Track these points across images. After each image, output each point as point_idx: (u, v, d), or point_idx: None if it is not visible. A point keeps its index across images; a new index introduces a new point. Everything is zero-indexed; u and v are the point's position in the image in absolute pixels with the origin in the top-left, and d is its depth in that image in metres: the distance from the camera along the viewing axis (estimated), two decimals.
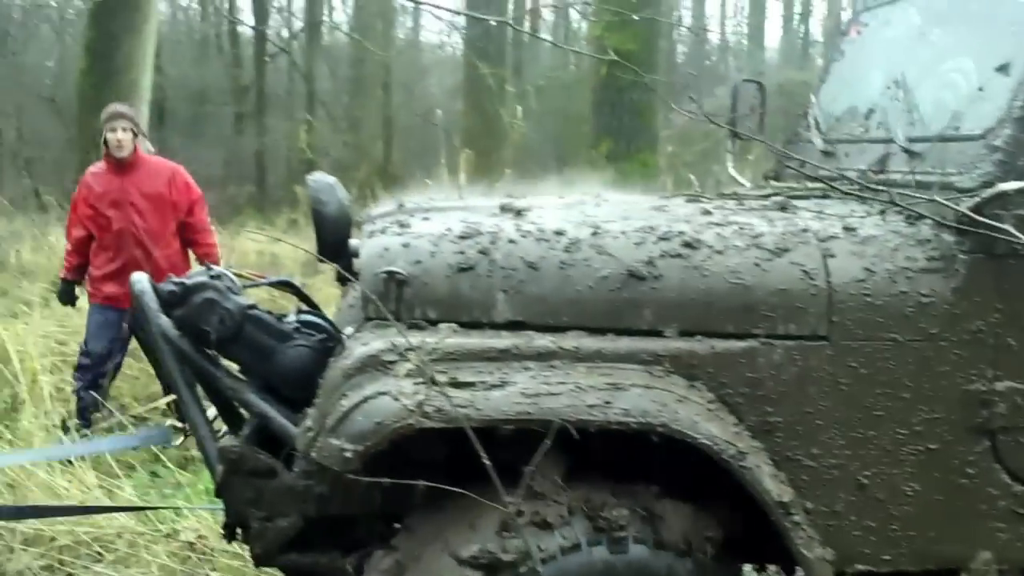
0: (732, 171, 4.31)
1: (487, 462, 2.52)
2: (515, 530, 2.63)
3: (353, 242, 3.23)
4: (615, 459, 2.83)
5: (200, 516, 4.87)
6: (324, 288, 7.18)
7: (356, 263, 3.09)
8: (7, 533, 4.78)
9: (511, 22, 11.45)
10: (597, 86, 11.91)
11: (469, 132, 17.22)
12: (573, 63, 22.48)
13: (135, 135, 6.78)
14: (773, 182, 4.08)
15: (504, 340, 2.77)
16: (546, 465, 2.67)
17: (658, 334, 2.82)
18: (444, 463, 2.85)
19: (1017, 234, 2.81)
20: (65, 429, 6.16)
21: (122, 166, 6.76)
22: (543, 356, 2.74)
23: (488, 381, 2.65)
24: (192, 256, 7.09)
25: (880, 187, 3.15)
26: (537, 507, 2.68)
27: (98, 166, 6.89)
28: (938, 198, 2.95)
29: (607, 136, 11.59)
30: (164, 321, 3.17)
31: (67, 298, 7.06)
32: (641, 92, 11.39)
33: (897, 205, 3.04)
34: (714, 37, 28.22)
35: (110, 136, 6.70)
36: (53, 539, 4.80)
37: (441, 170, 10.52)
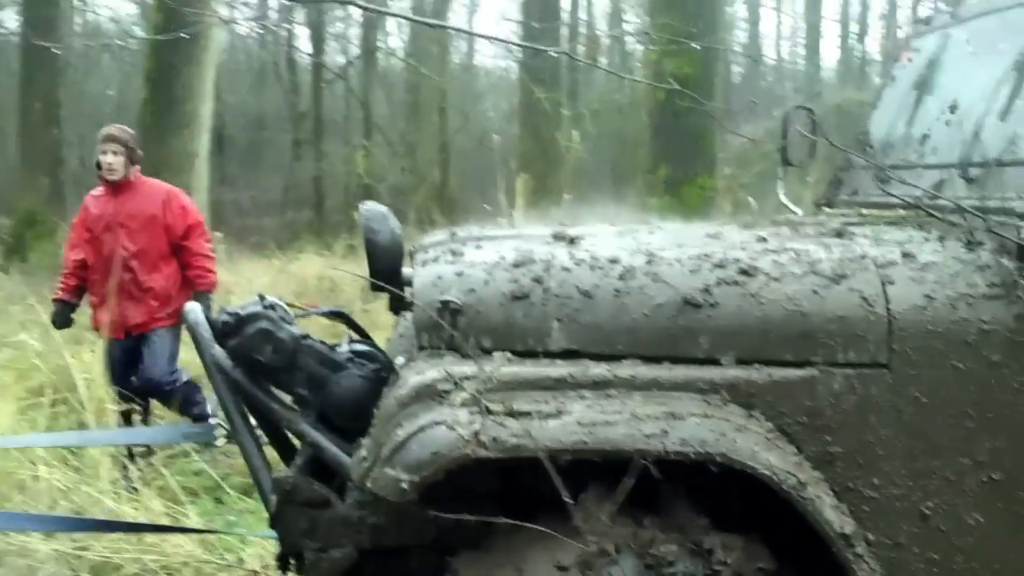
0: (783, 198, 4.28)
1: (566, 495, 2.51)
2: (571, 570, 2.61)
3: (406, 271, 3.24)
4: (659, 491, 2.79)
5: (265, 544, 4.90)
6: (381, 315, 7.20)
7: (409, 292, 3.10)
8: (75, 561, 4.83)
9: (570, 53, 11.43)
10: (654, 110, 11.89)
11: (525, 156, 17.29)
12: (628, 86, 22.49)
13: (129, 158, 6.68)
14: (827, 208, 4.05)
15: (559, 369, 2.74)
16: (592, 500, 2.66)
17: (715, 362, 2.79)
18: (495, 496, 2.84)
19: None
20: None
21: (116, 189, 6.70)
22: (599, 385, 2.71)
23: (544, 410, 2.62)
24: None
25: (943, 216, 3.11)
26: (586, 544, 2.65)
27: (99, 189, 6.84)
28: (995, 225, 2.90)
29: (664, 160, 11.55)
30: (218, 351, 3.19)
31: (60, 320, 6.88)
32: (699, 117, 11.33)
33: (991, 231, 2.98)
34: (769, 59, 28.10)
35: (101, 159, 6.65)
36: (120, 567, 4.84)
37: (497, 195, 10.52)
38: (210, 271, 6.94)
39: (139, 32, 21.76)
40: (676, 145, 11.48)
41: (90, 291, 6.81)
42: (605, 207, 4.90)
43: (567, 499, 2.55)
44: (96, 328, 6.77)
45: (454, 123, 24.07)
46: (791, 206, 4.23)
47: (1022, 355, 2.82)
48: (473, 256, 3.02)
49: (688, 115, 11.29)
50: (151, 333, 6.66)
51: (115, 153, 6.63)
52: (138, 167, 6.78)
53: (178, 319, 6.65)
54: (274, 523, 3.03)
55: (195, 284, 6.80)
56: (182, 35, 9.12)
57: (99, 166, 6.69)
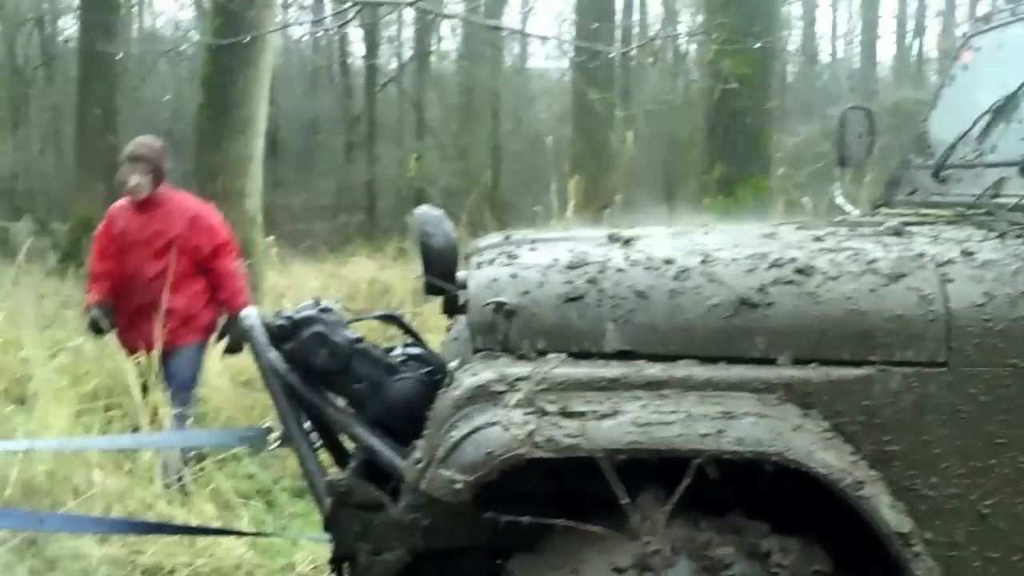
0: (840, 199, 4.24)
1: (623, 495, 2.51)
2: (621, 571, 2.60)
3: (461, 274, 3.25)
4: (715, 493, 2.76)
5: (317, 547, 4.91)
6: (433, 318, 7.21)
7: (464, 295, 3.11)
8: (128, 564, 4.87)
9: (623, 51, 11.38)
10: (710, 111, 11.83)
11: (577, 158, 17.25)
12: (682, 87, 22.41)
13: (155, 176, 6.45)
14: (884, 208, 4.01)
15: (614, 369, 2.74)
16: (647, 501, 2.65)
17: (771, 362, 2.77)
18: (549, 498, 2.84)
19: None
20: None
21: (142, 206, 6.48)
22: (653, 385, 2.70)
23: (598, 411, 2.61)
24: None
25: (1003, 214, 3.07)
26: (643, 547, 2.64)
27: (124, 201, 6.61)
28: None
29: (720, 160, 11.49)
30: (273, 355, 3.21)
31: (95, 327, 6.53)
32: (755, 116, 11.26)
33: (1015, 231, 2.96)
34: (824, 58, 27.91)
35: (127, 179, 6.45)
36: (173, 571, 4.88)
37: (551, 197, 10.52)
38: (240, 292, 6.70)
39: (195, 37, 21.98)
40: (731, 145, 11.39)
41: (115, 308, 6.58)
42: (658, 208, 4.89)
43: (623, 499, 2.54)
44: (123, 346, 6.56)
45: (507, 126, 24.09)
46: (847, 206, 4.19)
47: None
48: (527, 258, 3.03)
49: (744, 115, 11.22)
50: (174, 351, 6.42)
51: (141, 173, 6.42)
52: (165, 182, 6.57)
53: (203, 336, 6.61)
54: (328, 526, 3.04)
55: (228, 307, 6.60)
56: (240, 40, 9.15)
57: (125, 184, 6.50)
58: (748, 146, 11.43)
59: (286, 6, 20.96)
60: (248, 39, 9.22)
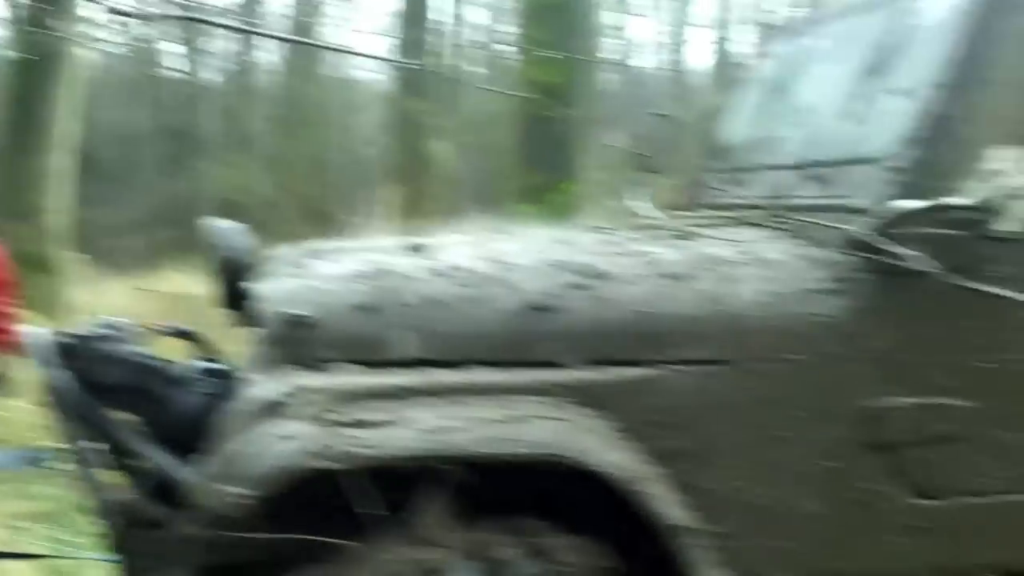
0: (636, 202, 4.30)
1: (374, 509, 2.50)
2: None
3: (255, 286, 3.19)
4: (505, 496, 2.77)
5: (108, 568, 4.77)
6: (242, 331, 7.04)
7: (256, 306, 3.05)
8: None
9: (435, 68, 11.47)
10: (523, 120, 11.95)
11: (398, 168, 17.21)
12: (503, 97, 22.54)
13: None
14: (679, 212, 4.09)
15: (407, 378, 2.72)
16: (436, 508, 2.64)
17: (563, 365, 2.80)
18: (343, 508, 2.80)
19: (909, 255, 2.82)
20: None
21: None
22: (446, 392, 2.69)
23: (390, 420, 2.59)
24: None
25: (786, 215, 3.17)
26: (425, 553, 2.63)
27: None
28: (837, 222, 2.97)
29: (534, 168, 11.62)
30: (59, 373, 3.11)
31: None
32: (563, 125, 11.42)
33: (799, 231, 3.05)
34: (640, 65, 28.42)
35: None
36: None
37: (371, 207, 10.48)
38: (7, 331, 6.06)
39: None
40: (544, 153, 11.55)
41: None
42: (476, 217, 4.89)
43: (378, 511, 2.52)
44: None
45: (328, 136, 23.91)
46: (645, 210, 4.25)
47: (859, 346, 2.89)
48: (322, 269, 3.00)
49: (555, 123, 11.36)
50: None
51: None
52: None
53: None
54: (115, 546, 2.96)
55: None
56: (35, 56, 8.89)
57: None
58: (556, 153, 11.58)
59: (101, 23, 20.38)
60: (42, 56, 8.95)
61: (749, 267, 2.96)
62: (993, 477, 3.00)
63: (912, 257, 2.82)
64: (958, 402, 2.95)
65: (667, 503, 2.71)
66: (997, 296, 2.87)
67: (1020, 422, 2.98)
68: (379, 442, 2.54)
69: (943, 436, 2.96)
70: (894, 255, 2.84)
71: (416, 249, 3.09)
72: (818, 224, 3.04)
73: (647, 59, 30.65)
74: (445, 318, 2.82)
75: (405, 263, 2.97)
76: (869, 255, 2.89)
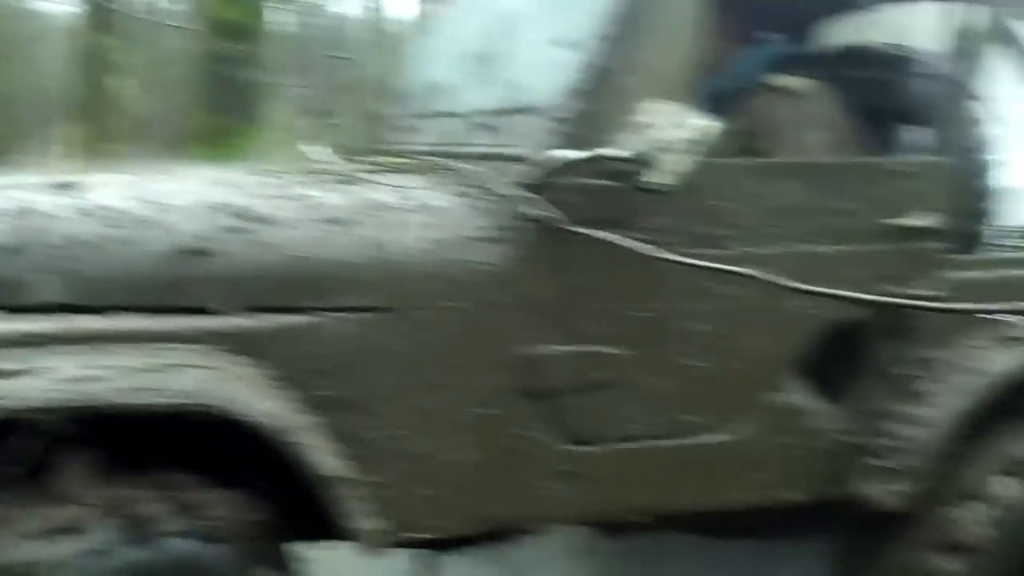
0: (313, 148, 4.23)
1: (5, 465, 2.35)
2: (37, 537, 2.43)
3: None
4: (155, 450, 2.65)
5: None
6: None
7: None
8: None
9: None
10: (206, 59, 11.57)
11: (81, 106, 16.39)
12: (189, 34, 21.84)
13: None
14: (351, 156, 4.04)
15: (50, 324, 2.56)
16: (75, 463, 2.51)
17: (217, 312, 2.70)
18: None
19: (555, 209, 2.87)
20: None
21: None
22: (90, 339, 2.55)
23: (24, 368, 2.42)
24: None
25: (443, 160, 3.16)
26: (64, 510, 2.47)
27: None
28: (502, 171, 2.98)
29: (217, 110, 11.28)
30: None
31: None
32: (250, 67, 11.13)
33: (465, 179, 3.05)
34: (338, 10, 28.07)
35: None
36: None
37: (47, 145, 9.94)
38: None
39: None
40: (223, 95, 11.22)
41: None
42: (156, 158, 4.67)
43: (10, 467, 2.39)
44: None
45: (5, 70, 22.51)
46: (319, 155, 4.18)
47: (518, 294, 2.92)
48: None
49: (236, 64, 11.03)
50: None
51: None
52: None
53: None
54: None
55: None
56: None
57: None
58: (241, 96, 11.28)
59: None
60: None
61: (413, 214, 2.93)
62: (644, 423, 3.09)
63: (538, 208, 2.86)
64: (611, 350, 3.01)
65: (321, 453, 2.66)
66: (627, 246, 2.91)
67: (669, 370, 3.08)
68: (10, 392, 2.38)
69: (597, 383, 3.02)
70: (526, 205, 2.87)
71: (64, 187, 2.91)
72: (468, 172, 3.05)
73: (350, 5, 30.27)
74: (91, 260, 2.68)
75: (50, 202, 2.79)
76: (509, 206, 2.91)
